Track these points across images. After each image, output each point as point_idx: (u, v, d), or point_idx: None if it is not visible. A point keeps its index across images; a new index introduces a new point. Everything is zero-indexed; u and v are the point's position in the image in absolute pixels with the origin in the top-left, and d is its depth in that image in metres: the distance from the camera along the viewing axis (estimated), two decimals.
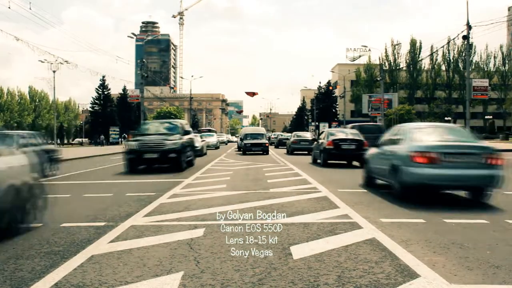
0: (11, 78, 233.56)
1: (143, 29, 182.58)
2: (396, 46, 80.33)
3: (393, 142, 8.95)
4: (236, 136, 65.69)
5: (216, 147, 37.46)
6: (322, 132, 19.68)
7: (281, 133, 56.52)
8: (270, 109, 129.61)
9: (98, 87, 71.58)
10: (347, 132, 18.12)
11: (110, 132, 64.15)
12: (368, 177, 10.35)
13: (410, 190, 7.81)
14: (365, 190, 9.56)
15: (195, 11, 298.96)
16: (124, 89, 72.60)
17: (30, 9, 50.30)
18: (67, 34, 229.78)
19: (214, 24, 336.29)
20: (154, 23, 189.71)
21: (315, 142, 19.61)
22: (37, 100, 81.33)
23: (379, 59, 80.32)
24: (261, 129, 33.96)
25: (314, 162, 18.23)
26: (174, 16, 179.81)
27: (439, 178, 7.40)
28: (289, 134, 43.04)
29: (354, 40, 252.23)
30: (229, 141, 64.86)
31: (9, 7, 27.51)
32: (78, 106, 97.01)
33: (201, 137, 28.63)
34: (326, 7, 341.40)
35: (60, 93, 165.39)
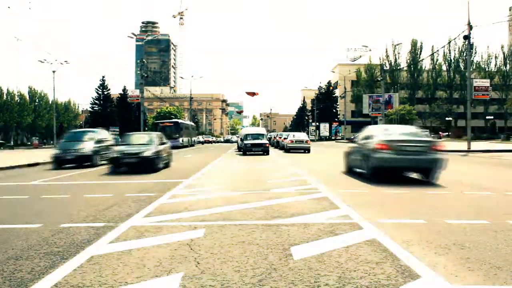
0: (11, 78, 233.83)
1: (143, 29, 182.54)
2: (397, 46, 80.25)
3: (366, 138, 12.03)
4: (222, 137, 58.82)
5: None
6: (288, 134, 32.98)
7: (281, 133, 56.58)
8: (271, 109, 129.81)
9: (98, 87, 71.59)
10: (299, 134, 32.90)
11: (110, 132, 63.97)
12: (348, 166, 13.69)
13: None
14: (366, 191, 9.54)
15: (197, 11, 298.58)
16: (124, 89, 72.58)
17: (29, 9, 49.99)
18: (68, 33, 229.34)
19: (215, 23, 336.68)
20: (154, 23, 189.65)
21: (284, 139, 33.23)
22: (37, 100, 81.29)
23: (380, 59, 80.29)
24: (261, 129, 33.96)
25: (283, 151, 30.95)
26: (174, 16, 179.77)
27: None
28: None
29: (355, 39, 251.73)
30: (206, 141, 57.04)
31: (8, 7, 27.40)
32: (78, 106, 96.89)
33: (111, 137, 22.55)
34: (327, 6, 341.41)
35: (60, 93, 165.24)
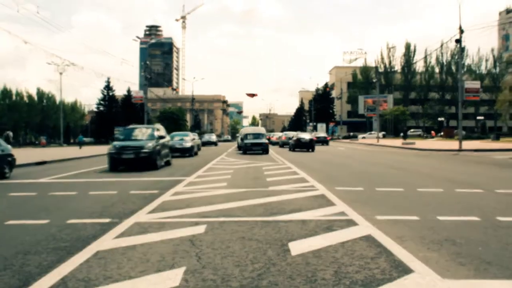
0: (25, 80, 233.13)
1: (147, 32, 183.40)
2: (391, 49, 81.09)
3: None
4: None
5: None
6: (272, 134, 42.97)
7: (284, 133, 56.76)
8: (270, 110, 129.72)
9: (104, 88, 72.41)
10: (282, 135, 41.51)
11: (115, 132, 63.71)
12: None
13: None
14: (361, 188, 9.67)
15: (204, 15, 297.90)
16: (129, 91, 72.64)
17: (38, 13, 49.68)
18: (76, 37, 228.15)
19: (217, 27, 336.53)
20: (157, 26, 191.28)
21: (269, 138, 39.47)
22: (45, 101, 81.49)
23: (375, 62, 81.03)
24: (261, 129, 34.05)
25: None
26: (177, 20, 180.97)
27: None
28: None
29: (351, 43, 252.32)
30: None
31: (17, 11, 27.19)
32: (84, 107, 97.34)
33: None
34: (325, 10, 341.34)
35: (68, 94, 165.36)
